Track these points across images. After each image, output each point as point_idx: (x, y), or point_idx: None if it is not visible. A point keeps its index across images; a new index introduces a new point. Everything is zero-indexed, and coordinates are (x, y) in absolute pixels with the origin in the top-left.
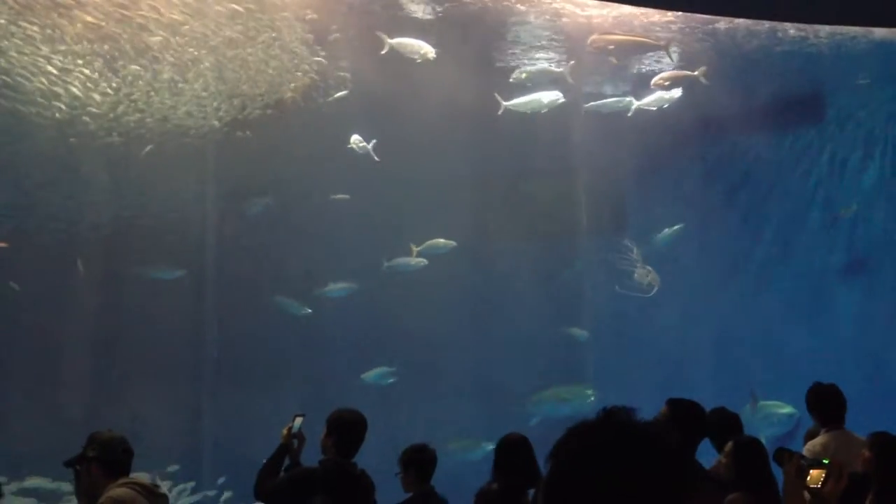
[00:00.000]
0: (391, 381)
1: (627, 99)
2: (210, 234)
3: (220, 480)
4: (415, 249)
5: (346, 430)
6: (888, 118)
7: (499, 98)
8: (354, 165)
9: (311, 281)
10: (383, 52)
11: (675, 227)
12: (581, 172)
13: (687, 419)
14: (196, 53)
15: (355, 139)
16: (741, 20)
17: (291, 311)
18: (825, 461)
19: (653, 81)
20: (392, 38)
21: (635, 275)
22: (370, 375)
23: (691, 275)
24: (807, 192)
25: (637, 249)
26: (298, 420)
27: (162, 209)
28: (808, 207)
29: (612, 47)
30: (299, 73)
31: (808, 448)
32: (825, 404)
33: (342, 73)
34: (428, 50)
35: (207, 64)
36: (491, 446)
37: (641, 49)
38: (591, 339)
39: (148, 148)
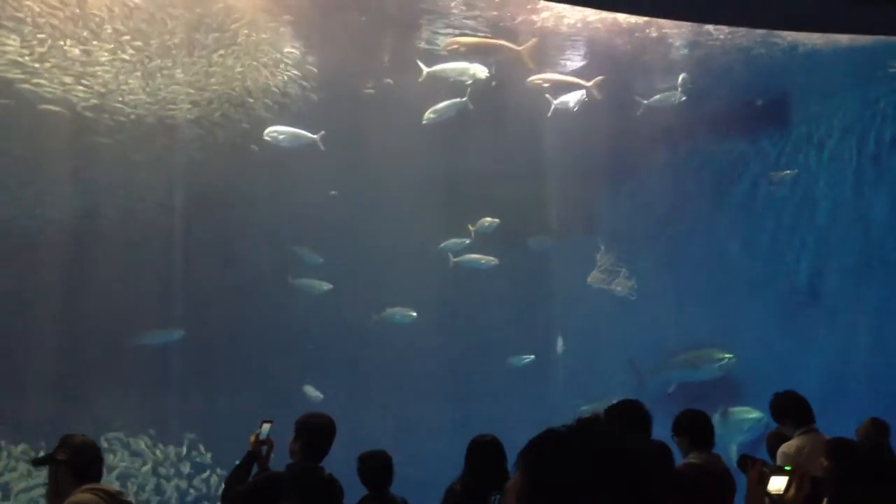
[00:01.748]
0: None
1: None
2: (178, 234)
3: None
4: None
5: (314, 434)
6: (853, 124)
7: (421, 65)
8: (325, 166)
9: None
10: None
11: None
12: (552, 175)
13: (628, 418)
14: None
15: (270, 131)
16: (709, 25)
17: (313, 291)
18: (787, 468)
19: (530, 79)
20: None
21: (611, 282)
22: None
23: (662, 278)
24: (774, 196)
25: (607, 252)
26: (266, 426)
27: (130, 209)
28: (775, 212)
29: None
30: (267, 74)
31: (783, 450)
32: (795, 409)
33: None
34: (478, 70)
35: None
36: None
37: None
38: (563, 342)
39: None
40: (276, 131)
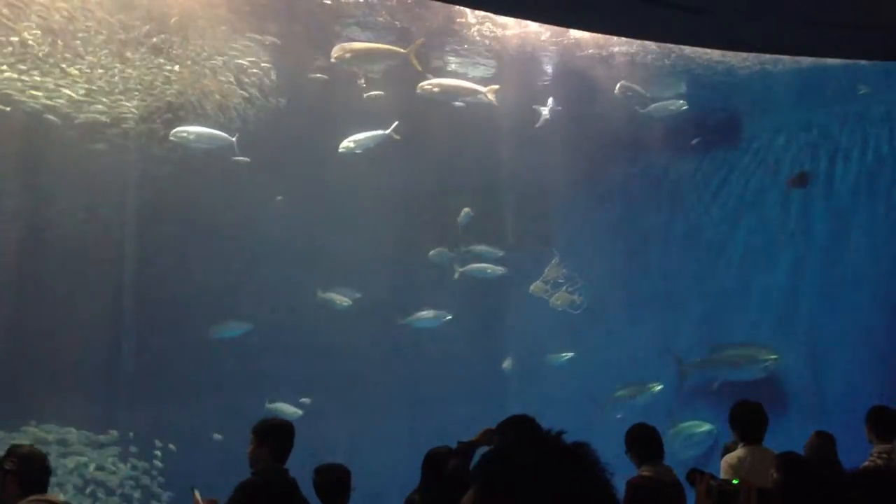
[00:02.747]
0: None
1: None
2: (130, 242)
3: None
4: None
5: (281, 436)
6: (802, 145)
7: (427, 85)
8: (284, 174)
9: (233, 295)
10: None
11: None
12: (507, 187)
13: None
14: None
15: (177, 131)
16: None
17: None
18: (735, 481)
19: (420, 85)
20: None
21: (555, 297)
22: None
23: (616, 292)
24: (725, 213)
25: (559, 263)
26: (197, 493)
27: (82, 214)
28: (729, 228)
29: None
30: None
31: (726, 460)
32: (746, 420)
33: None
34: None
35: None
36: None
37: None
38: (512, 358)
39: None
40: (186, 131)
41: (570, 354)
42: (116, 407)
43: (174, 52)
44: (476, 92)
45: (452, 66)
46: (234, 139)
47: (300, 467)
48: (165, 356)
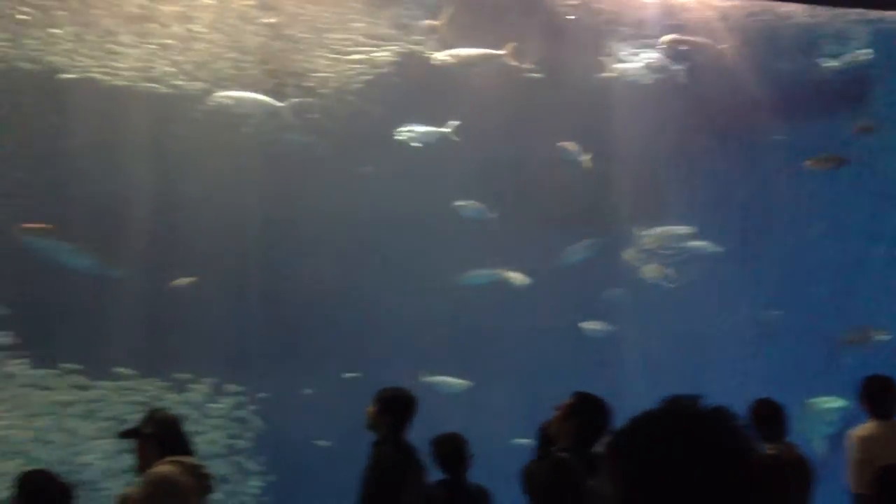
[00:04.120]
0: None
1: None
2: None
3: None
4: None
5: (404, 407)
6: None
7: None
8: (383, 147)
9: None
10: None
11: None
12: (619, 159)
13: (590, 412)
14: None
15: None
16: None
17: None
18: None
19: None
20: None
21: (646, 268)
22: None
23: (722, 269)
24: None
25: (649, 239)
26: None
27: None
28: (854, 195)
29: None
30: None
31: (854, 433)
32: (877, 395)
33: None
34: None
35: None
36: None
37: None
38: (611, 332)
39: None
40: (226, 96)
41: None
42: (248, 379)
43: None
44: (494, 56)
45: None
46: (283, 104)
47: (417, 438)
48: (297, 331)
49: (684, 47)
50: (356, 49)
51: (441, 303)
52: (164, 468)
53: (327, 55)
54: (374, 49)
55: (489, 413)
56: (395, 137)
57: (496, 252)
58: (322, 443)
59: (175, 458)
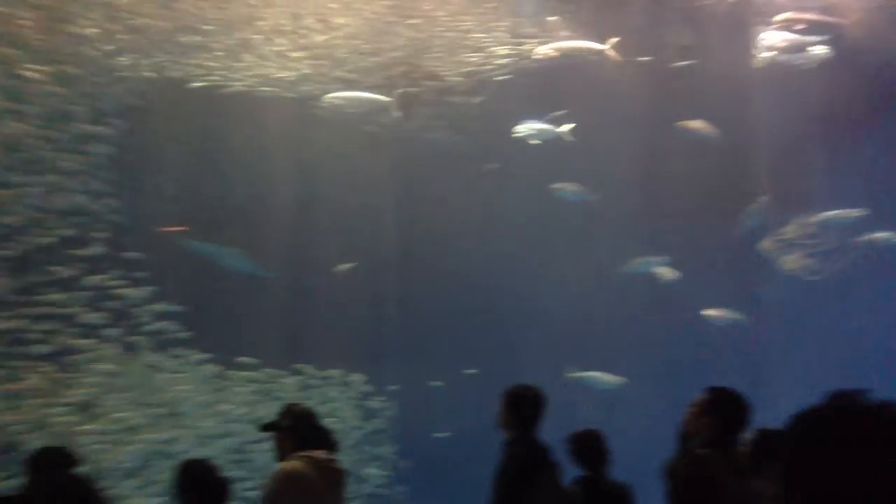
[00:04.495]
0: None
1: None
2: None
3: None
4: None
5: (529, 404)
6: None
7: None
8: (517, 143)
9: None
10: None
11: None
12: (763, 146)
13: (728, 407)
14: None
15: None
16: None
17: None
18: None
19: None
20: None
21: (786, 259)
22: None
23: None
24: None
25: (798, 228)
26: None
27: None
28: None
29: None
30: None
31: None
32: None
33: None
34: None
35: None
36: None
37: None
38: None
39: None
40: (337, 97)
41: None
42: (382, 374)
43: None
44: (596, 50)
45: None
46: (389, 99)
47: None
48: (430, 327)
49: (802, 26)
50: (489, 46)
51: (584, 297)
52: (291, 463)
53: (462, 54)
54: (509, 46)
55: (634, 408)
56: (513, 135)
57: (637, 244)
58: (442, 434)
59: (307, 452)
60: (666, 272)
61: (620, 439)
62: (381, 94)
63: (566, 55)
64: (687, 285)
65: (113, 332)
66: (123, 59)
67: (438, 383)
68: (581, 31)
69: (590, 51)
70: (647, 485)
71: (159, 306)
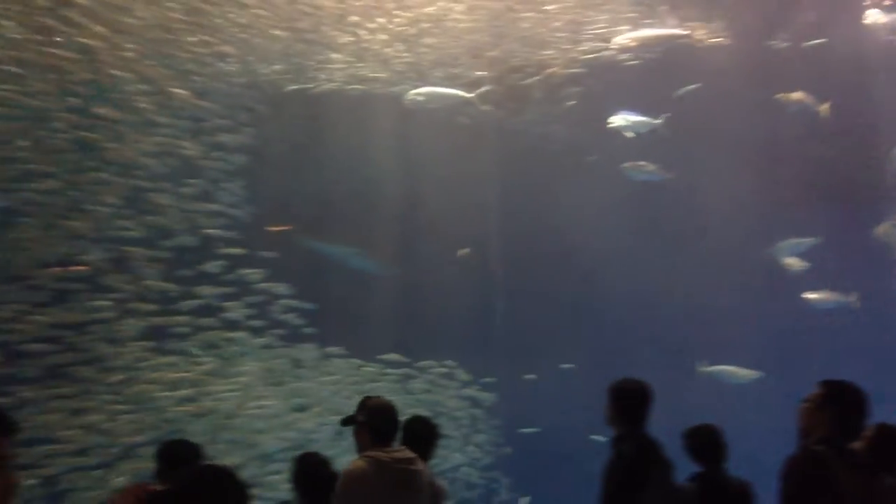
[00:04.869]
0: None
1: None
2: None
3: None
4: None
5: (638, 398)
6: None
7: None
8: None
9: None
10: None
11: None
12: (884, 131)
13: (845, 401)
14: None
15: (618, 118)
16: None
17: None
18: None
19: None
20: None
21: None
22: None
23: None
24: None
25: None
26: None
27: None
28: None
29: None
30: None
31: None
32: None
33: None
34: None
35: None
36: None
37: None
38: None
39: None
40: (419, 94)
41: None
42: (490, 363)
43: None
44: (676, 37)
45: None
46: (471, 96)
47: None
48: (534, 319)
49: None
50: (600, 34)
51: (699, 289)
52: (354, 463)
53: (572, 45)
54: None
55: (754, 402)
56: (609, 125)
57: (764, 233)
58: (530, 430)
59: (374, 451)
60: (793, 262)
61: (740, 434)
62: (492, 88)
63: (647, 45)
64: (810, 274)
65: (256, 325)
66: (249, 68)
67: (531, 376)
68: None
69: (672, 38)
70: (768, 482)
71: (289, 302)
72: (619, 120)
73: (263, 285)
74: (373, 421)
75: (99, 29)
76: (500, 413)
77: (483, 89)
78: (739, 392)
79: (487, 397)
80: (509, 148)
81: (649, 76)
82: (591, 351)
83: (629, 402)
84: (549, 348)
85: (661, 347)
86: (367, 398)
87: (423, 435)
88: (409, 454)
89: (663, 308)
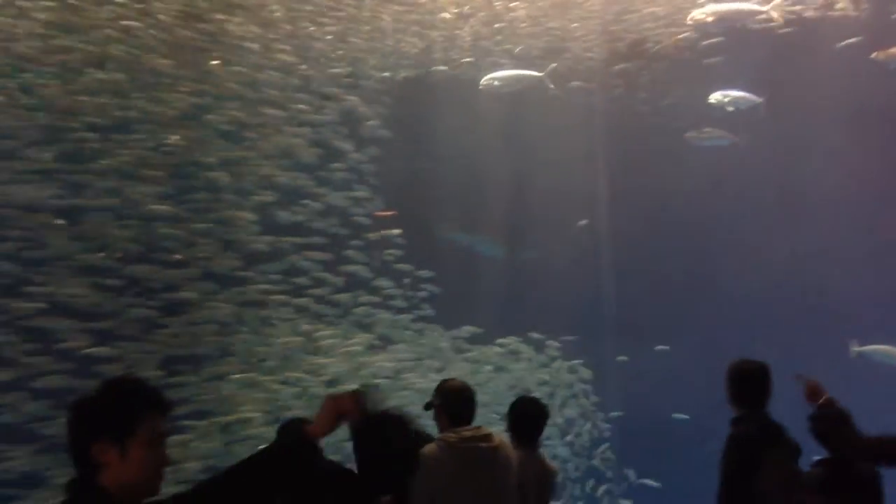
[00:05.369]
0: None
1: None
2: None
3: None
4: None
5: (757, 380)
6: None
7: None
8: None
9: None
10: None
11: None
12: None
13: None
14: None
15: (718, 95)
16: None
17: None
18: None
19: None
20: None
21: None
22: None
23: None
24: None
25: None
26: None
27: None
28: None
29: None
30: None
31: None
32: None
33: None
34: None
35: None
36: None
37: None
38: None
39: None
40: (493, 78)
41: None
42: (599, 344)
43: None
44: (755, 13)
45: None
46: (543, 74)
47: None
48: (644, 298)
49: None
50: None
51: (810, 272)
52: (426, 448)
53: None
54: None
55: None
56: (709, 102)
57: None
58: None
59: (447, 434)
60: None
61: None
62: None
63: (724, 20)
64: None
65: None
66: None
67: (623, 358)
68: None
69: (751, 13)
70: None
71: (428, 286)
72: (718, 97)
73: (404, 268)
74: (448, 404)
75: (252, 28)
76: (619, 392)
77: (551, 66)
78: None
79: (595, 377)
80: (623, 125)
81: (777, 50)
82: (707, 330)
83: (748, 382)
84: (666, 328)
85: (777, 330)
86: (444, 381)
87: (532, 415)
88: (482, 432)
89: (786, 288)
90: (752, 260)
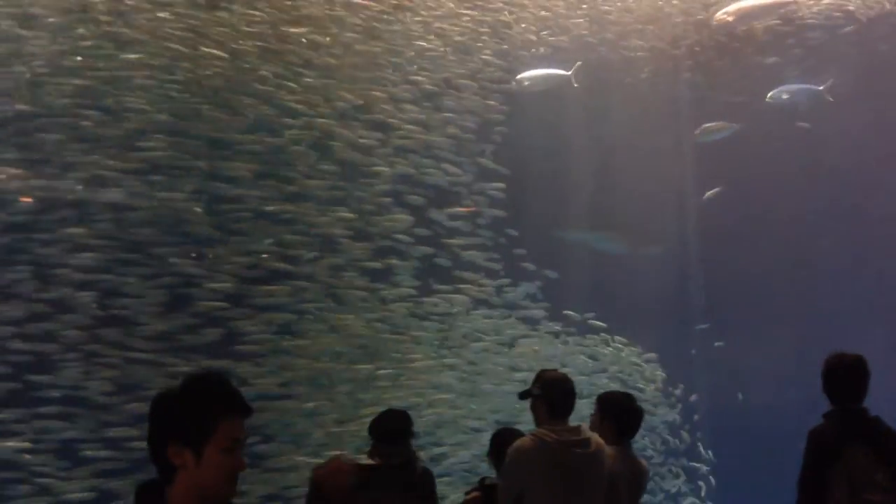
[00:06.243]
0: None
1: None
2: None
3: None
4: None
5: (854, 373)
6: None
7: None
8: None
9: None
10: None
11: None
12: None
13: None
14: None
15: (518, 79)
16: None
17: None
18: None
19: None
20: None
21: None
22: None
23: None
24: None
25: None
26: None
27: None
28: None
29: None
30: None
31: None
32: None
33: None
34: None
35: None
36: None
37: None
38: None
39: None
40: (524, 78)
41: None
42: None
43: None
44: (781, 5)
45: None
46: (569, 73)
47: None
48: (733, 289)
49: None
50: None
51: None
52: (522, 439)
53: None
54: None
55: None
56: (767, 99)
57: None
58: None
59: (546, 428)
60: None
61: None
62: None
63: (745, 16)
64: None
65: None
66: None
67: (718, 344)
68: None
69: (778, 6)
70: None
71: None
72: (777, 93)
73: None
74: (548, 394)
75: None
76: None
77: (577, 64)
78: None
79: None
80: (708, 118)
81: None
82: (801, 326)
83: (839, 376)
84: (754, 323)
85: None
86: (544, 371)
87: (627, 408)
88: (582, 435)
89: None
90: (852, 251)
